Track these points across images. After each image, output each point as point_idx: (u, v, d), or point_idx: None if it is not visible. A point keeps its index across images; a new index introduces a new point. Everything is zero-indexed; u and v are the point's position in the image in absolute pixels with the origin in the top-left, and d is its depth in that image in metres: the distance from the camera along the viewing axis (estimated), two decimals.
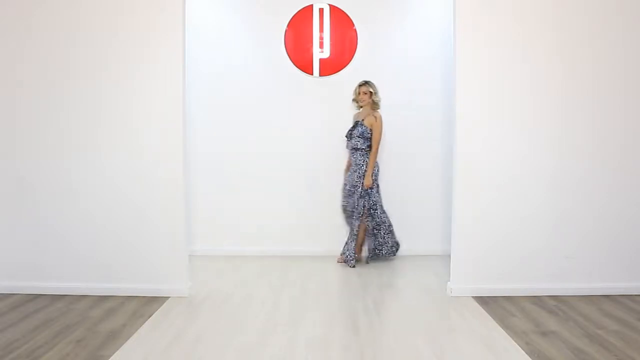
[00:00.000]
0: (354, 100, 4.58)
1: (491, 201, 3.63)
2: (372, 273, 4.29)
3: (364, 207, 4.52)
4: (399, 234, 4.84)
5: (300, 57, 4.94)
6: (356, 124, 4.53)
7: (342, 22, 4.91)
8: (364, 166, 4.49)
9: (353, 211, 4.53)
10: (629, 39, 3.61)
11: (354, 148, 4.52)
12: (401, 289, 3.93)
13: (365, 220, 4.57)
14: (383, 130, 4.55)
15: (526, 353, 2.69)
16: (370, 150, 4.50)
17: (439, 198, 4.96)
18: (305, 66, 4.93)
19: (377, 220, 4.56)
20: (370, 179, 4.49)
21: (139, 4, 3.56)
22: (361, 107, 4.57)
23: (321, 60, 4.93)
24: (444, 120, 4.85)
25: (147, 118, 3.60)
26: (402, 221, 4.95)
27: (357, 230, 4.53)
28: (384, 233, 4.59)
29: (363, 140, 4.48)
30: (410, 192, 4.99)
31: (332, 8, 4.90)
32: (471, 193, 3.63)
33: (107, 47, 3.58)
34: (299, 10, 4.91)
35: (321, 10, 4.91)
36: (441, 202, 4.94)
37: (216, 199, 5.01)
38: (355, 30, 4.92)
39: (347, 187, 4.55)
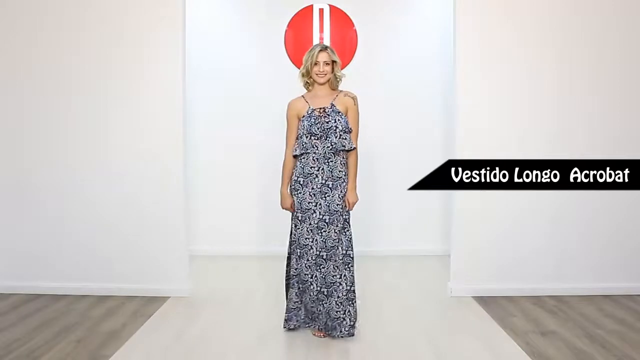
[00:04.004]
0: (304, 74, 2.96)
1: (491, 201, 3.62)
2: (371, 273, 4.29)
3: (350, 241, 2.89)
4: (399, 233, 4.83)
5: (300, 57, 4.90)
6: (325, 112, 2.87)
7: (342, 22, 4.91)
8: (346, 179, 2.91)
9: (330, 255, 2.84)
10: (629, 38, 3.61)
11: (334, 150, 2.86)
12: (401, 289, 3.92)
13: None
14: None
15: (526, 353, 2.69)
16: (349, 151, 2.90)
17: (439, 198, 4.95)
18: None
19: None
20: (356, 193, 2.95)
21: (139, 3, 3.57)
22: (311, 85, 2.99)
23: None
24: (444, 120, 4.85)
25: (147, 117, 3.60)
26: (402, 221, 4.95)
27: (352, 283, 2.88)
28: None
29: (348, 137, 2.88)
30: (409, 192, 4.96)
31: (332, 8, 4.90)
32: (471, 193, 3.62)
33: (107, 47, 3.58)
34: (299, 11, 4.90)
35: (321, 11, 4.91)
36: (441, 202, 4.94)
37: (216, 199, 5.00)
38: (355, 30, 4.92)
39: (318, 216, 2.85)
